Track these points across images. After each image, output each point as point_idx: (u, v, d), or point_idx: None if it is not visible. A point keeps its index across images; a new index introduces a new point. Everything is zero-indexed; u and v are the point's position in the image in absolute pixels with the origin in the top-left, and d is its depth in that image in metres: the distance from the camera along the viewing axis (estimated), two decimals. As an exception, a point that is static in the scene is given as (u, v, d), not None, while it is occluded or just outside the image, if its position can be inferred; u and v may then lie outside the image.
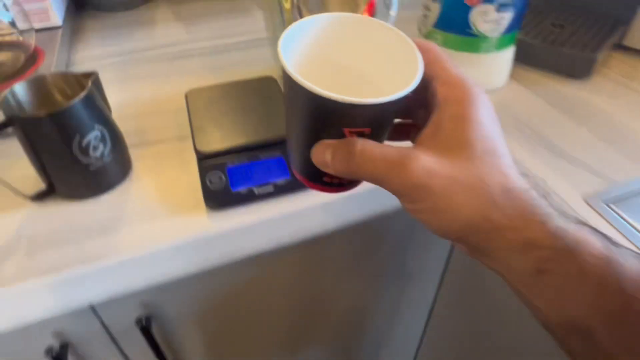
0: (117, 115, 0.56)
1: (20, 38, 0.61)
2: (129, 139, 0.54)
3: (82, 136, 0.42)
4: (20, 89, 0.44)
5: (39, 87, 0.46)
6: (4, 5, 0.57)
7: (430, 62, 0.25)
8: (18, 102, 0.44)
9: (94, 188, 0.46)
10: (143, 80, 0.65)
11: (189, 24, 0.79)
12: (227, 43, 0.73)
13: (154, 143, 0.54)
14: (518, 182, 0.23)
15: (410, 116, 0.28)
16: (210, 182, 0.45)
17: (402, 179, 0.23)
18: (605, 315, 0.21)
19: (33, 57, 0.62)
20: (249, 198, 0.45)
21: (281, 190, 0.46)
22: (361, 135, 0.24)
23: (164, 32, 0.76)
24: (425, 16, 0.58)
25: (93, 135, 0.43)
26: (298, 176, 0.29)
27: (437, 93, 0.24)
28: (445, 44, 0.57)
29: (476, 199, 0.22)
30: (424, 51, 0.25)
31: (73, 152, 0.42)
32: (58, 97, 0.47)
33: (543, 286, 0.22)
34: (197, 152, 0.48)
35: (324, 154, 0.25)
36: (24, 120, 0.41)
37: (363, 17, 0.27)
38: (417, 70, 0.24)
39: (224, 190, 0.45)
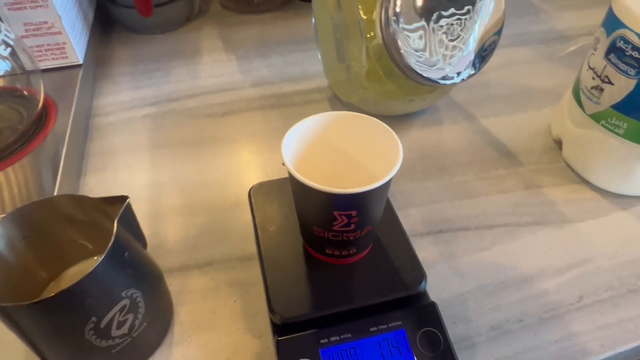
0: (147, 211, 0.40)
1: (25, 92, 0.44)
2: (164, 259, 0.38)
3: (101, 317, 0.26)
4: None
5: (35, 217, 0.29)
6: (4, 50, 0.41)
7: None
8: None
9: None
10: (184, 150, 0.48)
11: (241, 57, 0.61)
12: (295, 90, 0.55)
13: (202, 266, 0.38)
14: None
15: None
16: (297, 377, 0.29)
17: None
18: None
19: (42, 116, 0.45)
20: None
21: (406, 394, 0.29)
22: (349, 217, 0.28)
23: (211, 69, 0.59)
24: (598, 89, 0.40)
25: (118, 308, 0.27)
26: (309, 249, 0.33)
27: None
28: (630, 136, 0.39)
29: None
30: None
31: (86, 338, 0.26)
32: (65, 228, 0.31)
33: None
34: (271, 312, 0.31)
35: None
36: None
37: (351, 113, 0.31)
38: (398, 159, 0.27)
39: (317, 391, 0.29)
